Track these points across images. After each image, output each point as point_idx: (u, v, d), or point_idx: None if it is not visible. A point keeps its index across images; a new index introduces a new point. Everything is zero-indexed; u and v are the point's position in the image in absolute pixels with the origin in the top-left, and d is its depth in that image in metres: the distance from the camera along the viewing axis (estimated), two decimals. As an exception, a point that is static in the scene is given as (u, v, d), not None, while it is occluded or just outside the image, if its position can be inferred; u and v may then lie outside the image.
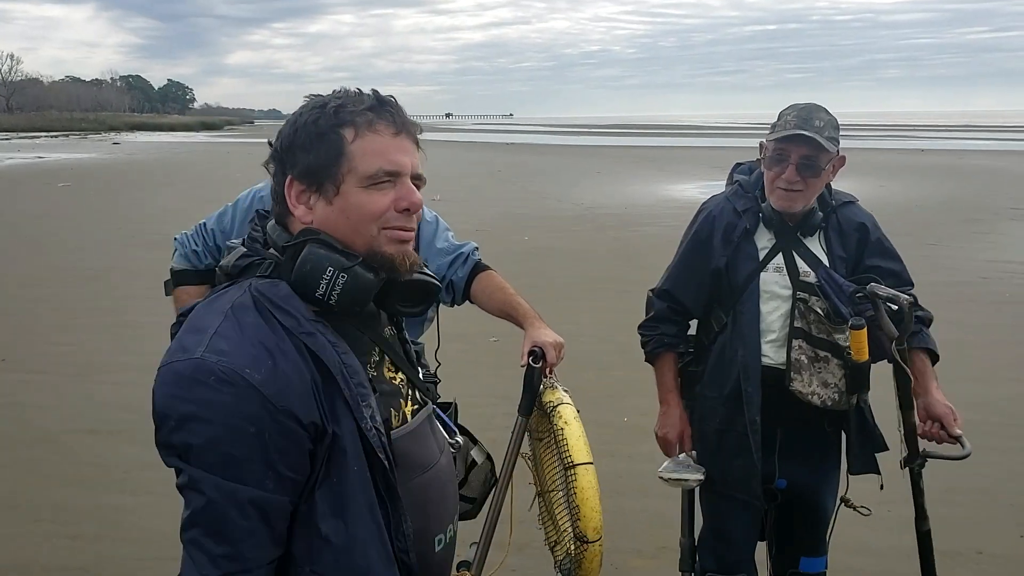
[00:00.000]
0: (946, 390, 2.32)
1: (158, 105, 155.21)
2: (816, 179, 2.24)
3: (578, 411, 1.96)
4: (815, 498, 2.40)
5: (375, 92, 1.25)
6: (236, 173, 19.90)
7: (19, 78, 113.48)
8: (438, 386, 1.85)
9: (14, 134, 61.72)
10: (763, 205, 2.33)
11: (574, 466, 1.84)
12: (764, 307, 2.31)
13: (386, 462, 1.19)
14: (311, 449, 1.14)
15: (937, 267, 9.23)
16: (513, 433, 2.09)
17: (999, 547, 3.54)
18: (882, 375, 2.29)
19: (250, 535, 1.11)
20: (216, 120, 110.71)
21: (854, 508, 2.40)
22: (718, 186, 2.77)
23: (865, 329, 2.16)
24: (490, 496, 2.04)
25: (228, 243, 1.34)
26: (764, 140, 2.32)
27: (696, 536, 2.57)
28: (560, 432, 1.91)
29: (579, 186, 19.89)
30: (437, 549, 1.34)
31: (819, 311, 2.26)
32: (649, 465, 2.84)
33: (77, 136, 61.32)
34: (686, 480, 2.41)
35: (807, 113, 2.23)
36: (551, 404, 1.99)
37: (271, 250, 1.24)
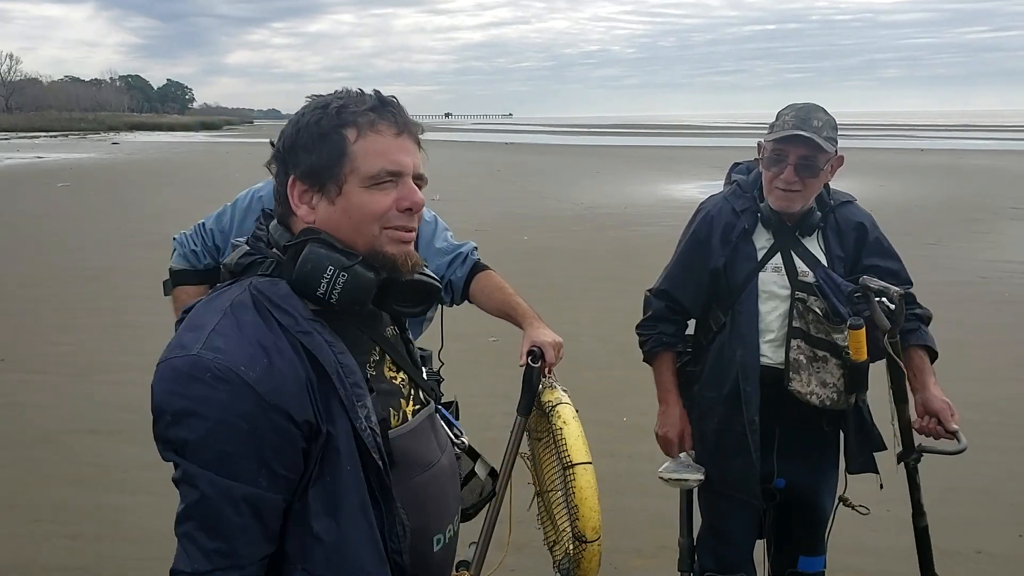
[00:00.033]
0: (945, 389, 2.32)
1: (157, 105, 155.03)
2: (814, 179, 2.24)
3: (577, 411, 1.97)
4: (814, 498, 2.41)
5: (377, 92, 1.26)
6: (235, 173, 19.89)
7: (18, 78, 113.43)
8: (440, 385, 1.85)
9: (13, 134, 61.66)
10: (761, 205, 2.33)
11: (573, 466, 1.85)
12: (763, 307, 2.31)
13: (380, 462, 1.19)
14: (305, 448, 1.15)
15: (937, 267, 9.23)
16: (512, 433, 2.09)
17: (998, 546, 3.54)
18: (881, 375, 2.30)
19: (243, 531, 1.11)
20: (215, 120, 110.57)
21: (853, 507, 2.41)
22: (717, 186, 2.77)
23: (864, 329, 2.16)
24: (486, 506, 2.02)
25: (233, 241, 1.34)
26: (762, 140, 2.31)
27: (695, 536, 2.57)
28: (559, 432, 1.91)
29: (578, 186, 19.88)
30: (436, 548, 1.34)
31: (817, 311, 2.26)
32: (649, 465, 2.84)
33: (76, 136, 61.25)
34: (686, 480, 2.41)
35: (805, 113, 2.23)
36: (550, 404, 1.99)
37: (273, 250, 1.25)
